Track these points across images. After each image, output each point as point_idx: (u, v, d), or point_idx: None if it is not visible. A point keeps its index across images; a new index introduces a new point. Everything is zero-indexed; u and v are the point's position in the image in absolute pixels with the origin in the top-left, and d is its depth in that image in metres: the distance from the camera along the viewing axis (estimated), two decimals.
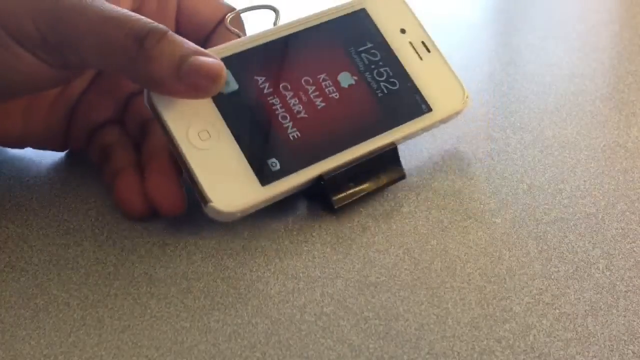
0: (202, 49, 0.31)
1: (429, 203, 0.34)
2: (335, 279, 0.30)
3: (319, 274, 0.30)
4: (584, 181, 0.36)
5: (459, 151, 0.39)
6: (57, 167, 0.38)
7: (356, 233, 0.32)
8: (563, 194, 0.35)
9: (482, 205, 0.34)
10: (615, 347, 0.26)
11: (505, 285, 0.29)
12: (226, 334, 0.27)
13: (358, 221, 0.33)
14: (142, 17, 0.31)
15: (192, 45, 0.31)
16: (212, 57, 0.31)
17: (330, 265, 0.31)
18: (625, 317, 0.27)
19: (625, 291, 0.29)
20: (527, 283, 0.29)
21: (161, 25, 0.30)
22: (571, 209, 0.34)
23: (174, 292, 0.29)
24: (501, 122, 0.42)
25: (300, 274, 0.30)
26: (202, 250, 0.32)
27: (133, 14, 0.31)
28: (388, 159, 0.35)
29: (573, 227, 0.32)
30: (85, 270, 0.31)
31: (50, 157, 0.40)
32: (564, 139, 0.40)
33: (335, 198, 0.33)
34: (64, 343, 0.27)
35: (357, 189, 0.34)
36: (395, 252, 0.31)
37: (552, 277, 0.30)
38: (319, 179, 0.32)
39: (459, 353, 0.26)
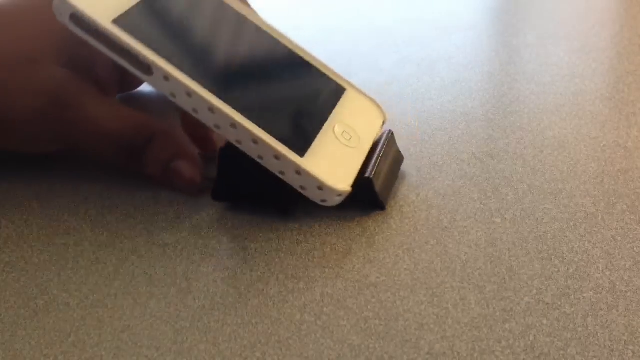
0: (186, 150, 0.35)
1: (429, 203, 0.34)
2: (335, 279, 0.30)
3: (319, 274, 0.30)
4: (584, 181, 0.36)
5: (459, 151, 0.39)
6: (57, 167, 0.38)
7: (356, 233, 0.32)
8: (563, 194, 0.35)
9: (482, 205, 0.34)
10: (615, 347, 0.26)
11: (505, 285, 0.29)
12: (226, 334, 0.27)
13: (358, 221, 0.33)
14: (133, 124, 0.34)
15: (177, 145, 0.35)
16: (193, 163, 0.35)
17: (330, 265, 0.31)
18: (625, 317, 0.27)
19: (625, 291, 0.29)
20: (527, 283, 0.29)
21: (147, 131, 0.34)
22: (571, 209, 0.34)
23: (174, 292, 0.29)
24: (501, 122, 0.42)
25: (300, 274, 0.30)
26: (202, 250, 0.32)
27: (124, 125, 0.34)
28: (389, 144, 0.36)
29: (573, 227, 0.32)
30: (85, 270, 0.31)
31: (49, 156, 0.40)
32: (564, 139, 0.40)
33: (383, 196, 0.34)
34: (64, 343, 0.27)
35: (389, 180, 0.35)
36: (395, 252, 0.31)
37: (552, 277, 0.30)
38: (367, 180, 0.33)
39: (459, 353, 0.26)
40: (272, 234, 0.33)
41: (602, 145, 0.39)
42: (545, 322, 0.27)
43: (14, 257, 0.32)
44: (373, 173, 0.33)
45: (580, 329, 0.27)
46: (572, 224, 0.33)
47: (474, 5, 0.60)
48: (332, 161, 0.33)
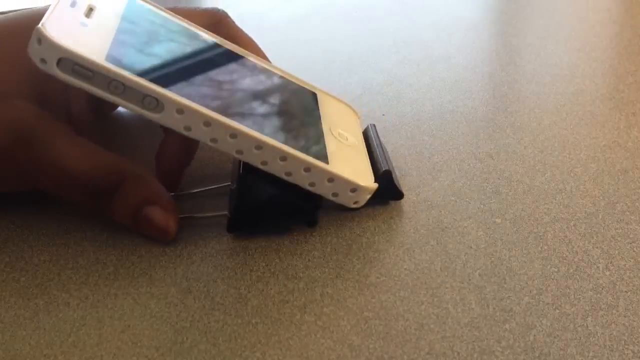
0: (158, 194, 0.33)
1: (428, 203, 0.34)
2: (335, 279, 0.30)
3: (319, 274, 0.30)
4: (584, 181, 0.36)
5: (459, 151, 0.39)
6: None
7: (356, 233, 0.32)
8: (563, 194, 0.35)
9: (482, 205, 0.34)
10: (615, 347, 0.26)
11: (505, 285, 0.29)
12: (226, 334, 0.27)
13: (358, 221, 0.33)
14: (99, 166, 0.32)
15: (148, 189, 0.33)
16: (164, 209, 0.32)
17: (330, 265, 0.31)
18: (625, 317, 0.27)
19: (625, 291, 0.29)
20: (527, 283, 0.29)
21: (115, 175, 0.32)
22: (571, 209, 0.34)
23: (174, 292, 0.29)
24: (501, 122, 0.42)
25: (300, 274, 0.30)
26: (202, 250, 0.32)
27: (92, 166, 0.32)
28: (378, 137, 0.37)
29: (573, 227, 0.32)
30: (85, 270, 0.31)
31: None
32: (564, 139, 0.40)
33: (399, 185, 0.35)
34: (64, 343, 0.27)
35: (394, 171, 0.35)
36: (395, 252, 0.31)
37: (552, 277, 0.30)
38: (386, 172, 0.33)
39: (459, 353, 0.26)
40: (273, 234, 0.33)
41: (602, 145, 0.39)
42: (545, 322, 0.27)
43: (14, 257, 0.32)
44: (388, 166, 0.34)
45: (580, 329, 0.27)
46: (572, 224, 0.33)
47: (474, 5, 0.60)
48: (350, 162, 0.33)
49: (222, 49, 0.36)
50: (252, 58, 0.36)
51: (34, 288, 0.30)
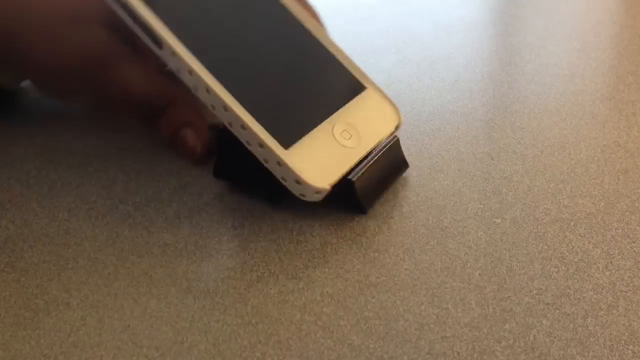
0: (196, 120, 0.38)
1: (429, 203, 0.34)
2: (335, 279, 0.30)
3: (319, 274, 0.30)
4: (584, 181, 0.36)
5: (459, 151, 0.39)
6: (57, 167, 0.38)
7: (356, 233, 0.32)
8: (563, 194, 0.35)
9: (482, 205, 0.34)
10: (615, 347, 0.26)
11: (505, 285, 0.29)
12: (226, 334, 0.27)
13: (358, 221, 0.33)
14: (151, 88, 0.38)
15: (189, 114, 0.38)
16: (198, 133, 0.38)
17: (330, 265, 0.31)
18: (625, 317, 0.27)
19: (625, 291, 0.29)
20: (527, 283, 0.29)
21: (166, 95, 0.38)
22: (571, 209, 0.34)
23: (174, 292, 0.29)
24: (501, 122, 0.42)
25: (300, 274, 0.30)
26: (202, 250, 0.32)
27: (150, 89, 0.37)
28: (389, 149, 0.36)
29: (573, 227, 0.32)
30: (85, 270, 0.31)
31: (49, 157, 0.40)
32: (564, 139, 0.40)
33: (365, 200, 0.33)
34: (64, 343, 0.27)
35: (378, 186, 0.34)
36: (395, 252, 0.31)
37: (552, 277, 0.30)
38: (349, 181, 0.33)
39: (459, 353, 0.26)
40: (272, 234, 0.33)
41: (602, 145, 0.39)
42: (545, 322, 0.27)
43: (14, 257, 0.32)
44: (357, 176, 0.33)
45: (580, 329, 0.27)
46: (572, 224, 0.33)
47: (474, 5, 0.60)
48: (319, 158, 0.33)
49: (284, 14, 0.37)
50: (317, 33, 0.37)
51: (34, 288, 0.30)
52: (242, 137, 0.32)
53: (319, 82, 0.36)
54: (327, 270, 0.30)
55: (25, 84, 0.45)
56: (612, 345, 0.26)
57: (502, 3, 0.61)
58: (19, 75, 0.43)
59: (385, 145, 0.35)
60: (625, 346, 0.26)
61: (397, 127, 0.37)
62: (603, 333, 0.27)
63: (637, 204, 0.34)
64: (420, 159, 0.38)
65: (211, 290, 0.29)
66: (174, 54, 0.33)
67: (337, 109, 0.35)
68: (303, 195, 0.32)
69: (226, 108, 0.32)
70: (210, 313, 0.28)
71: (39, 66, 0.38)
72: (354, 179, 0.33)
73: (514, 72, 0.48)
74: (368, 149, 0.35)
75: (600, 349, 0.26)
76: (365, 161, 0.34)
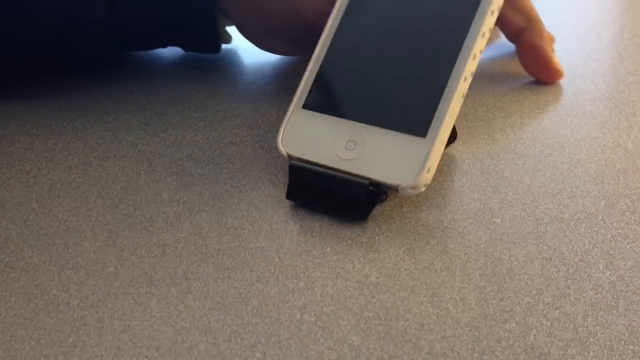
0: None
1: (428, 203, 0.34)
2: (335, 279, 0.30)
3: (319, 274, 0.30)
4: (584, 181, 0.36)
5: (459, 151, 0.39)
6: (57, 167, 0.38)
7: (356, 233, 0.32)
8: (563, 194, 0.35)
9: (482, 205, 0.34)
10: (615, 347, 0.26)
11: (505, 285, 0.29)
12: (226, 334, 0.27)
13: (358, 221, 0.33)
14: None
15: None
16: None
17: (330, 265, 0.31)
18: (625, 317, 0.27)
19: (625, 291, 0.29)
20: (527, 283, 0.29)
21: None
22: (571, 209, 0.34)
23: (174, 292, 0.29)
24: (501, 122, 0.42)
25: (300, 274, 0.30)
26: (202, 250, 0.32)
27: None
28: None
29: (573, 227, 0.32)
30: (85, 270, 0.31)
31: (49, 156, 0.40)
32: (564, 139, 0.40)
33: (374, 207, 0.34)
34: (64, 343, 0.27)
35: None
36: (395, 252, 0.31)
37: (552, 277, 0.30)
38: (369, 186, 0.32)
39: (459, 353, 0.26)
40: (273, 234, 0.33)
41: (602, 145, 0.39)
42: (545, 322, 0.27)
43: (14, 257, 0.32)
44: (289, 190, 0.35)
45: (580, 329, 0.27)
46: (572, 224, 0.33)
47: None
48: (309, 139, 0.35)
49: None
50: (475, 43, 0.33)
51: (34, 288, 0.30)
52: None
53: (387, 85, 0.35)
54: (327, 270, 0.30)
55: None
56: (612, 345, 0.26)
57: None
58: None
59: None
60: (625, 346, 0.26)
61: None
62: (603, 333, 0.27)
63: (637, 204, 0.34)
64: None
65: (211, 290, 0.29)
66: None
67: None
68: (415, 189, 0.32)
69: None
70: (210, 313, 0.28)
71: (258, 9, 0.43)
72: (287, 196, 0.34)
73: (514, 72, 0.48)
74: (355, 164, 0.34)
75: (600, 349, 0.26)
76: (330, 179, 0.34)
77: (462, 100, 0.33)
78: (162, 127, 0.43)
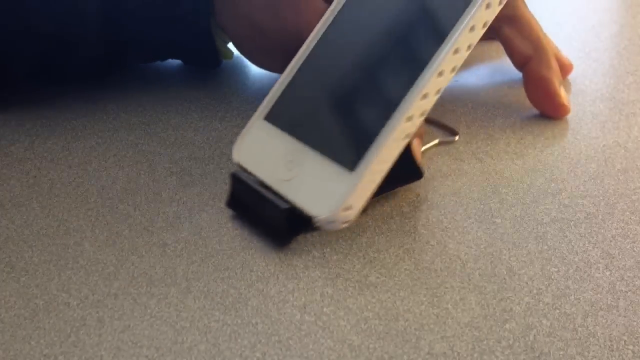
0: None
1: (429, 203, 0.34)
2: (335, 279, 0.30)
3: (319, 274, 0.30)
4: (584, 181, 0.36)
5: (459, 151, 0.39)
6: (57, 167, 0.38)
7: (356, 233, 0.32)
8: (563, 194, 0.35)
9: (482, 205, 0.34)
10: (615, 347, 0.26)
11: (505, 285, 0.29)
12: (226, 334, 0.27)
13: (358, 221, 0.33)
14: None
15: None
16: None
17: (330, 265, 0.31)
18: (625, 317, 0.27)
19: (625, 291, 0.29)
20: (527, 283, 0.29)
21: None
22: (571, 209, 0.34)
23: (174, 292, 0.29)
24: (501, 122, 0.42)
25: (300, 274, 0.30)
26: (202, 250, 0.32)
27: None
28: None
29: (573, 227, 0.32)
30: (85, 270, 0.31)
31: (49, 156, 0.40)
32: (564, 139, 0.40)
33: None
34: (64, 343, 0.27)
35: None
36: (395, 252, 0.31)
37: (552, 277, 0.29)
38: (288, 211, 0.31)
39: (459, 353, 0.26)
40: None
41: (602, 145, 0.39)
42: (545, 322, 0.27)
43: (14, 257, 0.32)
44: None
45: (580, 329, 0.27)
46: (572, 224, 0.33)
47: None
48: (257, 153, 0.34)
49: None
50: (457, 51, 0.31)
51: (34, 288, 0.30)
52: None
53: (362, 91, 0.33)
54: (327, 270, 0.30)
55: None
56: (612, 345, 0.26)
57: None
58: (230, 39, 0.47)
59: None
60: (625, 346, 0.26)
61: None
62: (603, 333, 0.27)
63: (637, 204, 0.34)
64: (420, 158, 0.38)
65: (211, 290, 0.29)
66: None
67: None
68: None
69: None
70: (210, 313, 0.28)
71: (261, 31, 0.42)
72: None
73: (514, 72, 0.48)
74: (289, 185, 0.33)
75: (600, 349, 0.26)
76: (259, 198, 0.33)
77: (406, 140, 0.31)
78: (162, 127, 0.43)
